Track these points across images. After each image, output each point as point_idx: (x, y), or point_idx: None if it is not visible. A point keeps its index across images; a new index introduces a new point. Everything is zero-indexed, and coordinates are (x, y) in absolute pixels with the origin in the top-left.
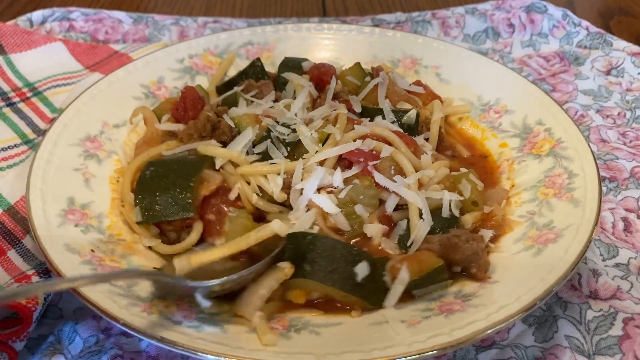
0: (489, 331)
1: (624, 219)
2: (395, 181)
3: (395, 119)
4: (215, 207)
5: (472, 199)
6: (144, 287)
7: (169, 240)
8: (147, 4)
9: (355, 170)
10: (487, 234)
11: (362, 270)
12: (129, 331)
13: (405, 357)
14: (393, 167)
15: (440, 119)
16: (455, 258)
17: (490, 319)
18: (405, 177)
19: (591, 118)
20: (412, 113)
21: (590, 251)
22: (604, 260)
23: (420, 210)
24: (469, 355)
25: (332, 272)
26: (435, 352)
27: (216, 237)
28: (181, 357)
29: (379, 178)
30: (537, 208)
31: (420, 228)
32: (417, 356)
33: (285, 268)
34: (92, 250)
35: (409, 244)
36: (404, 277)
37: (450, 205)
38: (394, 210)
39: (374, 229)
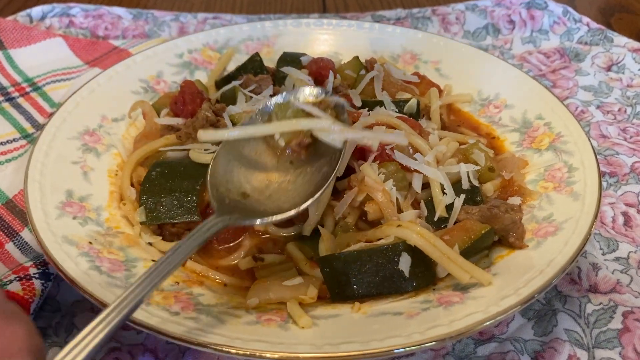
0: (488, 323)
1: (624, 214)
2: (416, 159)
3: (397, 110)
4: None
5: (488, 165)
6: None
7: (170, 238)
8: (147, 0)
9: (372, 156)
10: (516, 201)
11: (405, 263)
12: (127, 323)
13: (404, 348)
14: (410, 148)
15: (440, 107)
16: (495, 228)
17: (489, 311)
18: (422, 156)
19: (591, 114)
20: (413, 102)
21: (590, 245)
22: (603, 254)
23: (442, 186)
24: (468, 349)
25: (382, 281)
26: (433, 343)
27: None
28: (179, 348)
29: (401, 158)
30: (537, 201)
31: (445, 202)
32: (415, 347)
33: (307, 297)
34: (90, 243)
35: (436, 218)
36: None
37: (468, 176)
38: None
39: (409, 215)
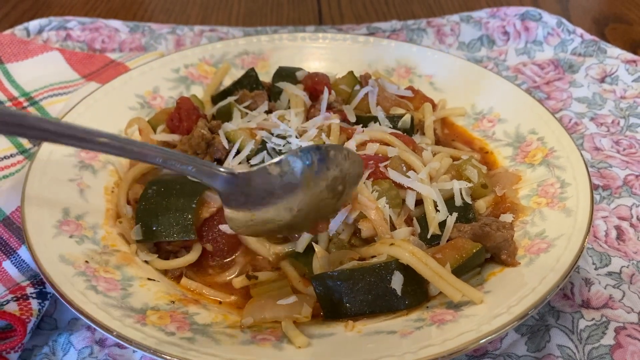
0: (481, 342)
1: (617, 228)
2: (409, 177)
3: (391, 125)
4: (212, 236)
5: (481, 182)
6: (138, 299)
7: (166, 256)
8: (144, 13)
9: (366, 173)
10: (508, 218)
11: (397, 281)
12: (123, 343)
13: None
14: (403, 165)
15: (434, 121)
16: (486, 245)
17: (482, 330)
18: (416, 173)
19: (585, 126)
20: (407, 117)
21: (583, 260)
22: (596, 269)
23: (435, 203)
24: None
25: (374, 299)
26: None
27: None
28: None
29: (395, 176)
30: (530, 217)
31: (438, 220)
32: None
33: (302, 316)
34: (87, 262)
35: (429, 236)
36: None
37: (461, 193)
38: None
39: (403, 233)
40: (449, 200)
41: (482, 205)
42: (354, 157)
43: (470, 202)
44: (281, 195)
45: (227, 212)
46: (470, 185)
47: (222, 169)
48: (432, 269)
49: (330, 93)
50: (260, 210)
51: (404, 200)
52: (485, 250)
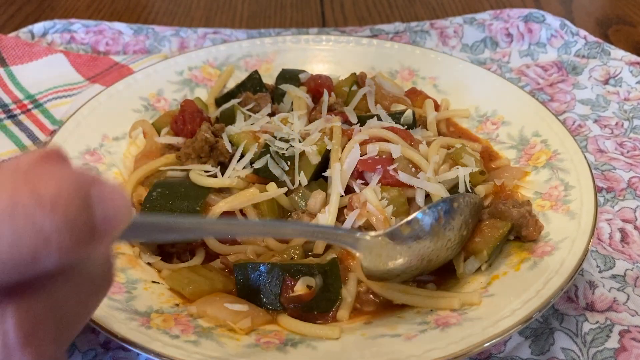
0: (485, 345)
1: (621, 230)
2: (419, 177)
3: (394, 123)
4: None
5: (478, 168)
6: (142, 302)
7: (169, 258)
8: (148, 16)
9: (375, 178)
10: None
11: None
12: (127, 346)
13: None
14: (411, 165)
15: (439, 121)
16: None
17: (486, 333)
18: (424, 172)
19: (589, 128)
20: (409, 113)
21: (587, 262)
22: (600, 271)
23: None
24: None
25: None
26: None
27: None
28: None
29: (406, 178)
30: None
31: None
32: None
33: (237, 327)
34: None
35: None
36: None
37: (465, 181)
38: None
39: None
40: (451, 190)
41: (481, 190)
42: (475, 199)
43: (472, 190)
44: (413, 249)
45: (365, 268)
46: (474, 169)
47: (359, 235)
48: (422, 296)
49: (330, 95)
50: (394, 264)
51: (409, 200)
52: None
